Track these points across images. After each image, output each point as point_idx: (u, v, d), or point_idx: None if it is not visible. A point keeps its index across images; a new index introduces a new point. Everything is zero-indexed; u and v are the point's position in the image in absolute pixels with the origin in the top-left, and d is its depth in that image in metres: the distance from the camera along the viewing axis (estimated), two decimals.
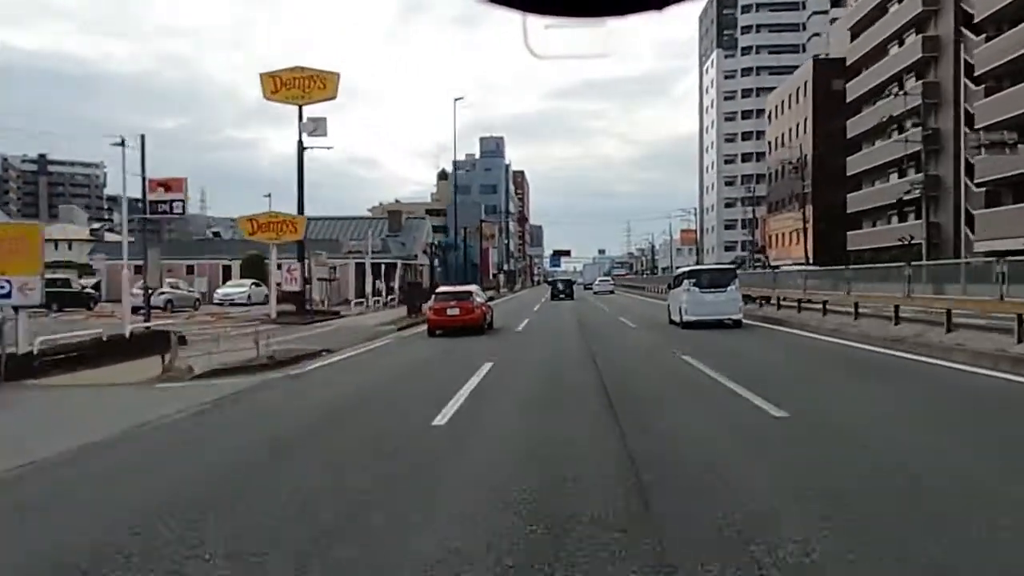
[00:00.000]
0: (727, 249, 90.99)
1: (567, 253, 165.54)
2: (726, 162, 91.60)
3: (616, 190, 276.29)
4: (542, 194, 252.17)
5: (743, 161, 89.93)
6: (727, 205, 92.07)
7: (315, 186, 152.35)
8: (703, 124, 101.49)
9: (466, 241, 78.00)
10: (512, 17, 1.21)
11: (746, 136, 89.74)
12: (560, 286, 51.42)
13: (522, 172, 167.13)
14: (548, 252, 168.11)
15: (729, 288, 19.80)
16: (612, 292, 60.91)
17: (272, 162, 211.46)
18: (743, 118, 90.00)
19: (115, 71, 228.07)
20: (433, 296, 22.13)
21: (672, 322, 21.14)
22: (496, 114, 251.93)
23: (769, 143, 71.85)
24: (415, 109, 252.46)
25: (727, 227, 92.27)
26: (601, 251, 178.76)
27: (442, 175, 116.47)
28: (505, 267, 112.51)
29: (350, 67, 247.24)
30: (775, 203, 69.38)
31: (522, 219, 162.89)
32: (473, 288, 23.03)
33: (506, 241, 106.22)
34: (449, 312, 20.01)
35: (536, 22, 1.29)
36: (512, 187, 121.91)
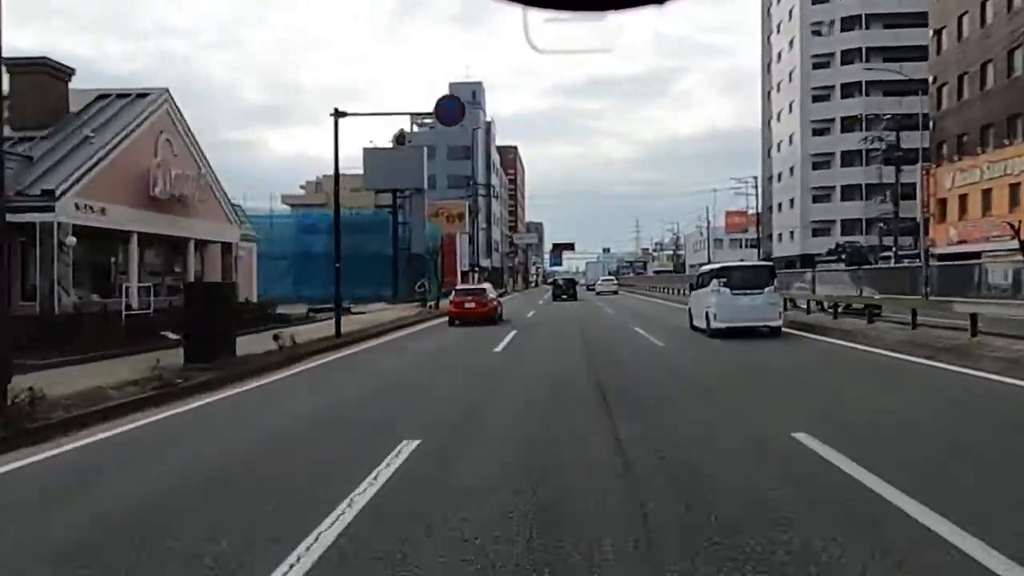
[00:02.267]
0: (817, 233, 59.37)
1: (570, 247, 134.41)
2: (815, 99, 59.85)
3: (617, 190, 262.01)
4: (543, 192, 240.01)
5: (844, 95, 58.18)
6: (816, 166, 60.34)
7: None
8: (768, 48, 69.40)
9: (396, 214, 46.67)
10: (513, 12, 1.24)
11: (848, 56, 57.98)
12: (562, 285, 48.63)
13: (515, 148, 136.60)
14: (548, 247, 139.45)
15: (766, 289, 16.67)
16: (615, 292, 58.37)
17: (271, 163, 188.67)
18: (843, 29, 58.25)
19: (112, 70, 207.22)
20: (453, 292, 26.49)
21: (695, 328, 18.33)
22: (494, 112, 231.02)
23: (935, 35, 39.94)
24: (415, 107, 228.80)
25: (817, 199, 60.55)
26: (606, 249, 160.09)
27: (399, 138, 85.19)
28: (486, 263, 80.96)
29: (349, 65, 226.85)
30: (958, 141, 37.60)
31: (513, 205, 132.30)
32: (486, 286, 28.27)
33: (484, 226, 74.63)
34: (466, 306, 24.04)
35: (537, 16, 1.30)
36: (495, 153, 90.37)
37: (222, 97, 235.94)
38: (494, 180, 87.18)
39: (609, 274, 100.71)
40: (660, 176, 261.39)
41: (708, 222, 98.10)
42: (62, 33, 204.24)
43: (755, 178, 73.74)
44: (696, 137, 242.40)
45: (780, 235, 65.80)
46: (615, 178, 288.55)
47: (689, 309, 19.71)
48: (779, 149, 66.61)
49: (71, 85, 16.73)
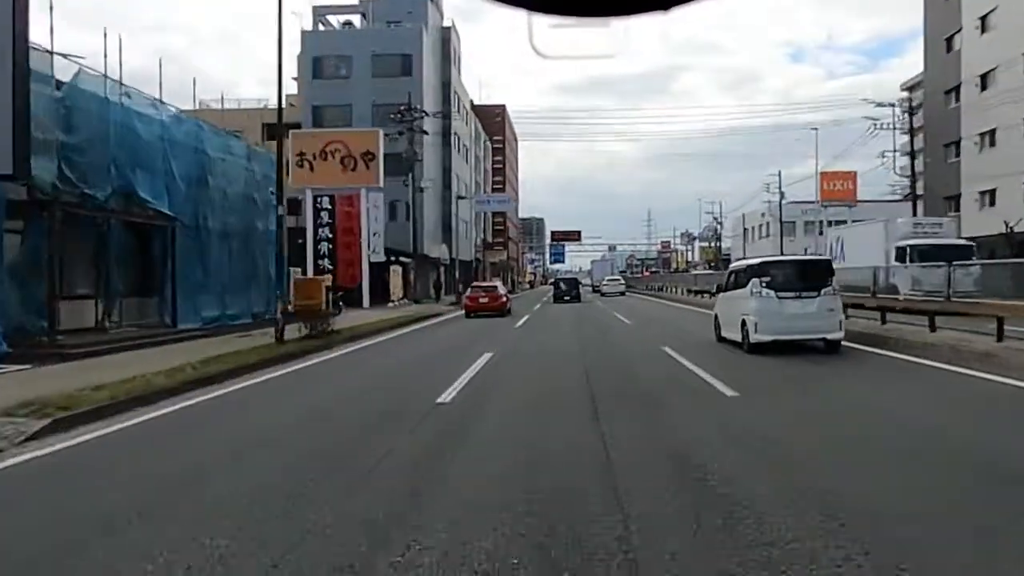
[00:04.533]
0: None
1: (575, 236, 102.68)
2: None
3: (620, 191, 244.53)
4: (544, 190, 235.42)
5: None
6: None
7: None
8: None
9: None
10: (517, 15, 1.22)
11: None
12: (563, 286, 43.76)
13: (503, 107, 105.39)
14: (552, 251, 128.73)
15: (823, 291, 12.95)
16: (623, 294, 52.54)
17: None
18: None
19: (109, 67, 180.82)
20: (469, 288, 31.75)
21: (723, 340, 14.75)
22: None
23: None
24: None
25: None
26: (611, 248, 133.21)
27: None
28: (437, 252, 49.06)
29: None
30: None
31: (501, 182, 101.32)
32: (497, 283, 33.81)
33: (425, 186, 42.19)
34: (481, 300, 27.90)
35: (542, 22, 1.29)
36: (459, 80, 58.13)
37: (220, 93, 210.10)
38: (460, 119, 55.14)
39: (617, 273, 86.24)
40: (664, 175, 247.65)
41: (780, 194, 66.25)
42: (58, 29, 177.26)
43: (907, 99, 41.94)
44: (700, 137, 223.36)
45: (988, 194, 33.86)
46: (618, 177, 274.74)
47: (715, 316, 15.92)
48: (984, 27, 34.47)
49: None
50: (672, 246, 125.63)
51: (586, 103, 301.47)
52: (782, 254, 55.75)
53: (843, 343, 12.84)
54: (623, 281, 61.34)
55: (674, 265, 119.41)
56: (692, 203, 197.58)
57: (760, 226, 75.64)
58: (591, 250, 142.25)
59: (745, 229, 79.80)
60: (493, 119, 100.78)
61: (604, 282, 58.00)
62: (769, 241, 70.29)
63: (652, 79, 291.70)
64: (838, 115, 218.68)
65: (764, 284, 13.18)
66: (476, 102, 78.37)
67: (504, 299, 28.80)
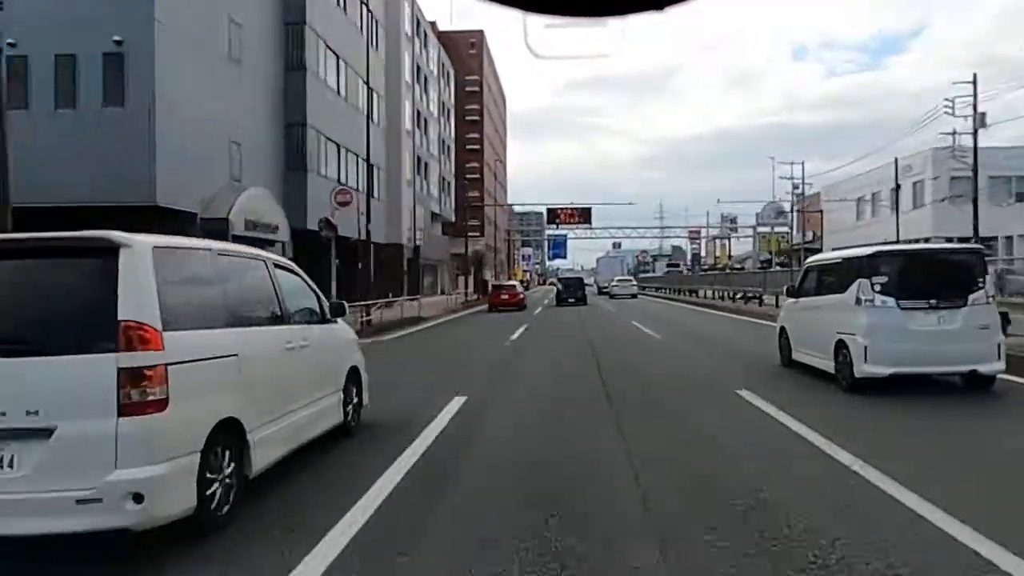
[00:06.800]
0: None
1: (584, 217, 71.87)
2: None
3: (620, 191, 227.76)
4: (544, 194, 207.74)
5: None
6: None
7: None
8: None
9: None
10: (512, 15, 1.20)
11: None
12: (567, 287, 40.65)
13: (479, 33, 75.55)
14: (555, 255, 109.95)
15: (972, 297, 8.38)
16: (635, 296, 48.97)
17: None
18: None
19: None
20: (492, 288, 38.72)
21: (792, 363, 10.61)
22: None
23: None
24: None
25: None
26: (616, 245, 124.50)
27: None
28: (272, 221, 18.79)
29: None
30: None
31: (477, 139, 71.69)
32: (515, 283, 40.55)
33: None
34: (502, 297, 34.58)
35: (536, 21, 1.30)
36: None
37: None
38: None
39: (628, 273, 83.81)
40: (666, 175, 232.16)
41: (976, 120, 35.09)
42: None
43: None
44: (703, 137, 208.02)
45: None
46: (620, 178, 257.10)
47: (780, 330, 11.38)
48: None
49: None
50: (705, 235, 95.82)
51: (586, 102, 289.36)
52: (976, 238, 28.82)
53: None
54: (634, 282, 58.00)
55: (710, 260, 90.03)
56: (697, 202, 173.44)
57: (896, 189, 45.05)
58: (597, 247, 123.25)
59: (861, 196, 49.00)
60: (465, 50, 70.68)
61: (613, 283, 55.30)
62: (932, 211, 40.08)
63: (653, 78, 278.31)
64: (838, 115, 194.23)
65: (877, 288, 8.55)
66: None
67: (521, 296, 35.75)
